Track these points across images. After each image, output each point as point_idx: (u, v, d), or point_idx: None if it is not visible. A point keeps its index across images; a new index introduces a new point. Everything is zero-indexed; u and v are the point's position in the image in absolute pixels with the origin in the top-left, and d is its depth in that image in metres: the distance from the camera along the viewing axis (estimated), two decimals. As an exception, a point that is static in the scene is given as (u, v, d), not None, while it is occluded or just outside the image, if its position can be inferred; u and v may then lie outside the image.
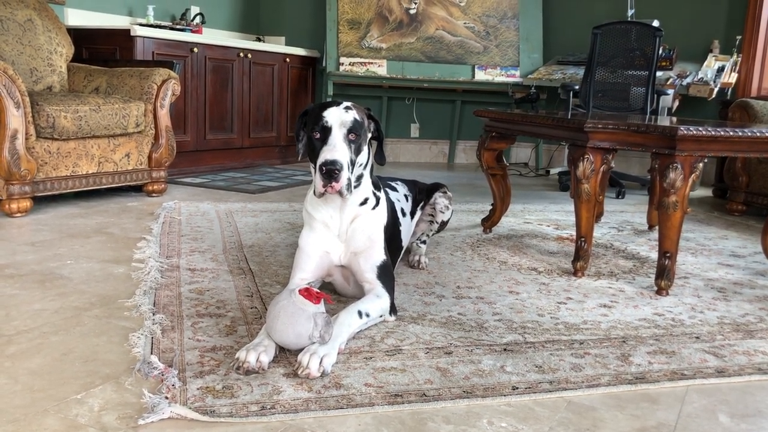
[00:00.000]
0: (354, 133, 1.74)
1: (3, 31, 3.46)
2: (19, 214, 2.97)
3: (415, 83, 5.56)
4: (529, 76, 5.48)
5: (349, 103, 1.78)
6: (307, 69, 5.69)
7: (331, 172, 1.68)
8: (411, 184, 2.51)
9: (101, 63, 3.89)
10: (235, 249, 2.59)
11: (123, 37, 4.09)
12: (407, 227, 2.35)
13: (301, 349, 1.52)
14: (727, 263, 2.75)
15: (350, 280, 1.95)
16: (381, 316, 1.81)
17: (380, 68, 5.50)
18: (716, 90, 4.67)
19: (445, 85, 5.63)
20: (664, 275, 2.24)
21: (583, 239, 2.42)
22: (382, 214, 1.94)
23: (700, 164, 2.18)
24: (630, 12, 4.95)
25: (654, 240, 2.99)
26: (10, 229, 2.77)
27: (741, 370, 1.65)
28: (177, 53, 4.35)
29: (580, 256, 2.43)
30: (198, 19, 5.04)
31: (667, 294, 2.25)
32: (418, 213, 2.52)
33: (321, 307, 1.56)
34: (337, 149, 1.70)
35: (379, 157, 1.94)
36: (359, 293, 1.90)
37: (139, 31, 4.08)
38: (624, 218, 3.69)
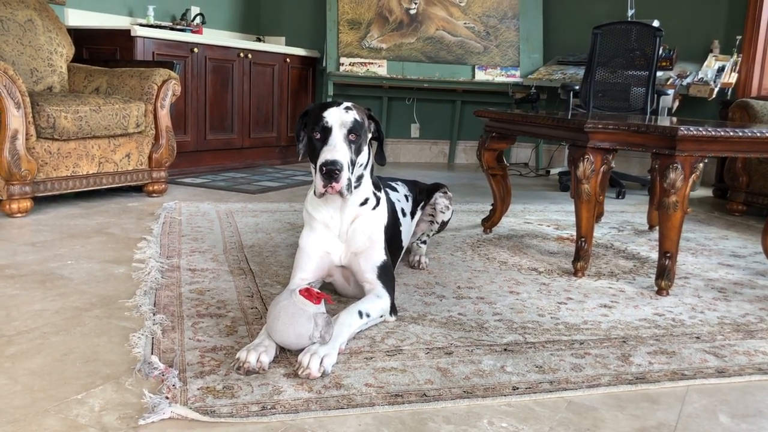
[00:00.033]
0: (354, 133, 1.74)
1: (3, 31, 3.46)
2: (19, 215, 2.97)
3: (416, 83, 5.56)
4: (530, 76, 5.48)
5: (349, 104, 1.78)
6: (308, 69, 5.69)
7: (331, 172, 1.68)
8: (411, 185, 2.51)
9: (101, 63, 3.89)
10: (236, 249, 2.59)
11: (123, 37, 4.10)
12: (407, 227, 2.35)
13: (302, 350, 1.52)
14: (727, 263, 2.75)
15: (350, 281, 1.95)
16: (381, 317, 1.81)
17: (380, 68, 5.50)
18: (716, 90, 4.67)
19: (445, 85, 5.63)
20: (664, 275, 2.24)
21: (583, 239, 2.42)
22: (382, 215, 1.94)
23: (701, 164, 2.18)
24: (630, 12, 4.95)
25: (654, 240, 2.99)
26: (10, 229, 2.77)
27: (741, 370, 1.65)
28: (177, 53, 4.35)
29: (581, 256, 2.43)
30: (198, 20, 5.04)
31: (668, 294, 2.25)
32: (419, 213, 2.52)
33: (321, 307, 1.56)
34: (337, 149, 1.70)
35: (380, 158, 1.94)
36: (359, 293, 1.90)
37: (139, 31, 4.08)
38: (624, 218, 3.69)
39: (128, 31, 4.08)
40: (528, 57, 5.69)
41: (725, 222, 3.72)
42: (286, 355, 1.57)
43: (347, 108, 1.76)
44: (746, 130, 2.20)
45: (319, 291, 1.58)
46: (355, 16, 5.58)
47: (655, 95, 4.31)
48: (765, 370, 1.65)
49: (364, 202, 1.89)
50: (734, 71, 4.88)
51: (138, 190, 3.73)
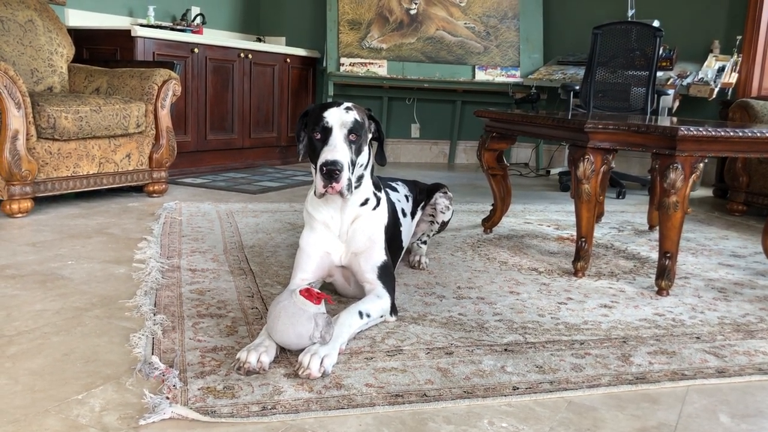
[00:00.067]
0: (354, 133, 1.74)
1: (4, 31, 3.46)
2: (20, 215, 2.98)
3: (416, 83, 5.56)
4: (530, 76, 5.48)
5: (349, 104, 1.78)
6: (308, 69, 5.69)
7: (331, 172, 1.68)
8: (411, 185, 2.51)
9: (102, 63, 3.90)
10: (236, 249, 2.59)
11: (124, 37, 4.10)
12: (408, 228, 2.35)
13: (302, 350, 1.52)
14: (727, 263, 2.75)
15: (351, 281, 1.95)
16: (381, 317, 1.81)
17: (381, 68, 5.50)
18: (716, 90, 4.67)
19: (445, 85, 5.63)
20: (664, 275, 2.25)
21: (583, 239, 2.42)
22: (382, 215, 1.94)
23: (701, 164, 2.19)
24: (630, 12, 4.95)
25: (654, 240, 2.99)
26: (11, 229, 2.78)
27: (741, 370, 1.65)
28: (178, 54, 4.35)
29: (581, 256, 2.43)
30: (198, 20, 5.04)
31: (668, 294, 2.25)
32: (419, 213, 2.52)
33: (322, 307, 1.57)
34: (337, 150, 1.71)
35: (380, 158, 1.94)
36: (360, 294, 1.90)
37: (139, 31, 4.08)
38: (624, 218, 3.69)
39: (128, 31, 4.08)
40: (528, 57, 5.69)
41: (725, 222, 3.72)
42: (287, 356, 1.57)
43: (347, 108, 1.76)
44: (746, 130, 2.20)
45: (319, 291, 1.58)
46: (355, 17, 5.58)
47: (656, 95, 4.31)
48: (765, 371, 1.65)
49: (365, 203, 1.89)
50: (734, 71, 4.88)
51: (138, 190, 3.73)
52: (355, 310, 1.72)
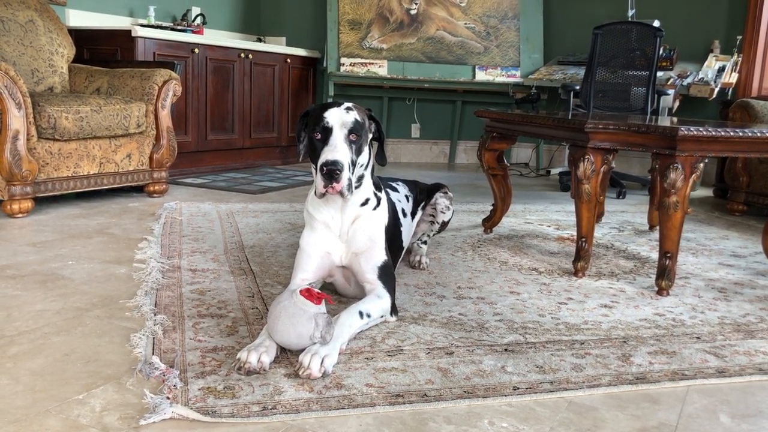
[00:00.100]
0: (355, 133, 1.74)
1: (4, 32, 3.46)
2: (20, 215, 2.98)
3: (416, 84, 5.56)
4: (530, 76, 5.48)
5: (350, 104, 1.78)
6: (308, 69, 5.69)
7: (332, 172, 1.68)
8: (412, 185, 2.52)
9: (102, 64, 3.90)
10: (236, 249, 2.59)
11: (124, 37, 4.10)
12: (408, 228, 2.35)
13: (303, 350, 1.52)
14: (727, 263, 2.75)
15: (351, 281, 1.95)
16: (382, 317, 1.81)
17: (381, 69, 5.50)
18: (717, 90, 4.67)
19: (445, 85, 5.63)
20: (664, 275, 2.25)
21: (583, 239, 2.42)
22: (383, 215, 1.95)
23: (701, 164, 2.19)
24: (630, 12, 4.95)
25: (655, 240, 2.99)
26: (11, 229, 2.78)
27: (742, 370, 1.65)
28: (178, 54, 4.35)
29: (581, 256, 2.43)
30: (199, 20, 5.04)
31: (668, 294, 2.25)
32: (419, 213, 2.52)
33: (322, 307, 1.57)
34: (338, 150, 1.71)
35: (380, 158, 1.94)
36: (360, 294, 1.90)
37: (140, 31, 4.08)
38: (625, 218, 3.69)
39: (129, 31, 4.08)
40: (528, 57, 5.70)
41: (726, 222, 3.72)
42: (287, 356, 1.57)
43: (348, 108, 1.76)
44: (746, 130, 2.21)
45: (319, 291, 1.58)
46: (355, 17, 5.58)
47: (656, 95, 4.31)
48: (765, 370, 1.65)
49: (365, 203, 1.89)
50: (735, 71, 4.88)
51: (139, 190, 3.73)
52: (356, 310, 1.72)
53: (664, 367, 1.64)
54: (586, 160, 2.32)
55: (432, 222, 2.55)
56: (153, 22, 4.63)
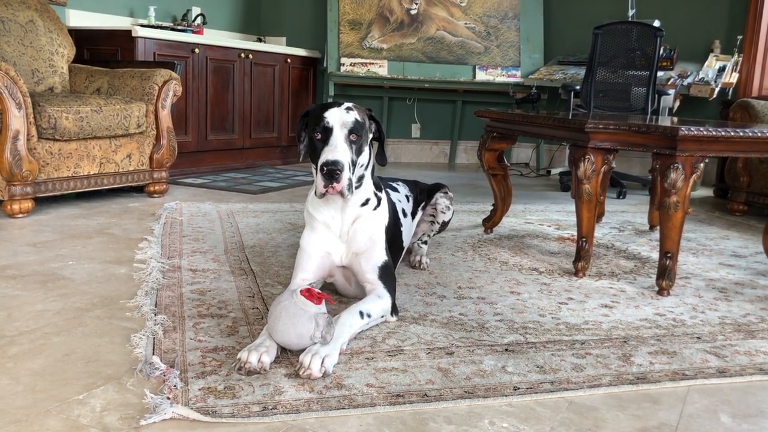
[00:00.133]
0: (355, 133, 1.74)
1: (5, 32, 3.46)
2: (20, 215, 2.98)
3: (416, 83, 5.56)
4: (530, 76, 5.48)
5: (350, 104, 1.78)
6: (308, 69, 5.69)
7: (332, 172, 1.68)
8: (412, 185, 2.52)
9: (102, 64, 3.90)
10: (237, 249, 2.59)
11: (124, 38, 4.10)
12: (408, 228, 2.35)
13: (303, 350, 1.52)
14: (728, 263, 2.75)
15: (351, 281, 1.95)
16: (382, 317, 1.81)
17: (381, 69, 5.50)
18: (717, 90, 4.67)
19: (446, 85, 5.63)
20: (665, 275, 2.24)
21: (584, 239, 2.42)
22: (383, 215, 1.94)
23: (701, 164, 2.18)
24: (631, 12, 4.95)
25: (655, 240, 2.99)
26: (11, 230, 2.78)
27: (742, 370, 1.65)
28: (178, 54, 4.35)
29: (581, 256, 2.43)
30: (199, 20, 5.04)
31: (669, 294, 2.25)
32: (419, 213, 2.52)
33: (322, 307, 1.57)
34: (338, 150, 1.71)
35: (381, 158, 1.94)
36: (360, 294, 1.90)
37: (140, 32, 4.08)
38: (625, 218, 3.69)
39: (129, 31, 4.08)
40: (529, 57, 5.69)
41: (726, 222, 3.72)
42: (288, 356, 1.57)
43: (348, 108, 1.76)
44: (747, 130, 2.20)
45: (320, 291, 1.58)
46: (355, 17, 5.58)
47: (656, 95, 4.31)
48: (766, 370, 1.65)
49: (365, 203, 1.89)
50: (735, 71, 4.88)
51: (139, 190, 3.73)
52: (356, 310, 1.72)
53: (665, 367, 1.64)
54: (587, 160, 2.32)
55: (432, 222, 2.55)
56: (153, 22, 4.63)
